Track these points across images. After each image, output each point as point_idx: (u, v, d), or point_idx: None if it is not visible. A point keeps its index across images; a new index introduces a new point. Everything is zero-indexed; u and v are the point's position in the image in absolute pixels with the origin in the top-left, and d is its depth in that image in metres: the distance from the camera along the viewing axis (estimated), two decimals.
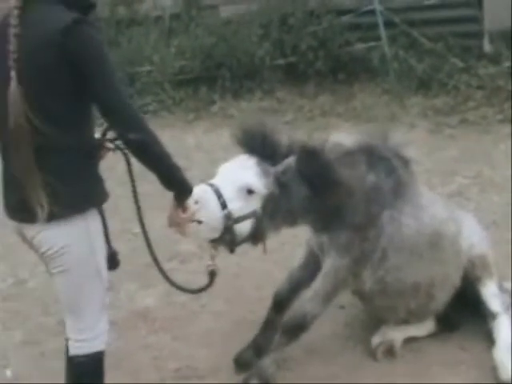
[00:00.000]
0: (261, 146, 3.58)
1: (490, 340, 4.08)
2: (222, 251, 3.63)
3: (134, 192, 3.21)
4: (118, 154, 3.11)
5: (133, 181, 3.17)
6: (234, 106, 10.01)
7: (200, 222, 3.33)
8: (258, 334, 4.11)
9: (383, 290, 3.96)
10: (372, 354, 4.12)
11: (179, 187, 3.02)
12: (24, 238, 3.02)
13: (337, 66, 10.23)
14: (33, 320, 4.89)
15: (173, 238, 5.91)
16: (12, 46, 2.74)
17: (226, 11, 11.13)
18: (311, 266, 4.06)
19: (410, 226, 3.88)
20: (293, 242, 5.21)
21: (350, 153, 3.78)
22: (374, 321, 4.35)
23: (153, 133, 2.83)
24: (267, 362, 3.86)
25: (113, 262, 3.21)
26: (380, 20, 10.08)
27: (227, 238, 3.49)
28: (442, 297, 4.14)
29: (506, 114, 8.66)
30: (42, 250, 2.93)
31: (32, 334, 4.70)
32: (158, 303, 5.03)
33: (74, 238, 2.90)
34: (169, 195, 3.16)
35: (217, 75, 10.34)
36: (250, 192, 3.48)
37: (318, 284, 3.87)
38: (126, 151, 3.04)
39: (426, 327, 4.25)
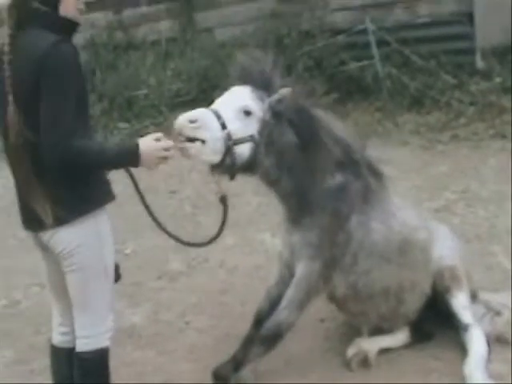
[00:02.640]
0: (257, 78, 3.72)
1: (462, 349, 4.15)
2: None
3: (139, 193, 3.51)
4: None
5: (135, 183, 3.49)
6: None
7: (203, 142, 3.45)
8: (238, 350, 4.17)
9: (355, 295, 4.06)
10: (347, 365, 4.20)
11: (127, 162, 3.21)
12: (42, 245, 3.30)
13: (331, 85, 10.35)
14: (24, 340, 5.01)
15: (162, 258, 6.12)
16: (7, 72, 3.00)
17: (221, 34, 11.33)
18: (287, 280, 4.12)
19: (379, 232, 3.97)
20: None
21: (332, 133, 3.88)
22: (353, 333, 4.44)
23: (73, 150, 2.98)
24: (245, 373, 3.96)
25: (115, 274, 3.42)
26: (372, 39, 10.23)
27: (228, 162, 3.58)
28: (412, 302, 4.23)
29: (497, 130, 8.74)
30: (57, 251, 3.20)
31: (23, 353, 4.82)
32: (144, 321, 5.15)
33: (85, 239, 3.16)
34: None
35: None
36: (247, 113, 3.60)
37: (291, 292, 3.96)
38: (131, 171, 3.42)
39: (401, 338, 4.33)
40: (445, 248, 4.32)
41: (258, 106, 3.64)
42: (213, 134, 3.47)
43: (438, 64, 10.11)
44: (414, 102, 9.86)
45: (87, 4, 11.67)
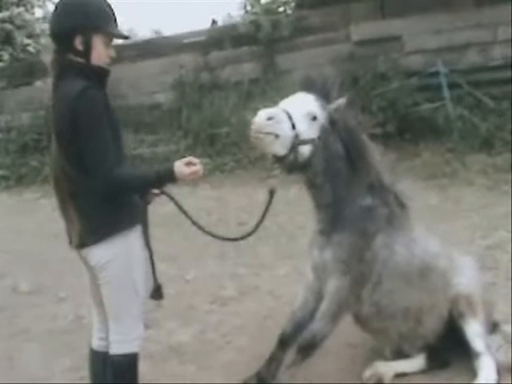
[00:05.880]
0: (319, 88, 4.08)
1: (475, 375, 4.33)
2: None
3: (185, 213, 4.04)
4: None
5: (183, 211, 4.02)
6: None
7: (277, 136, 3.85)
8: (262, 367, 4.53)
9: (378, 313, 4.33)
10: None
11: (166, 183, 3.71)
12: (83, 260, 3.79)
13: (404, 125, 10.65)
14: (80, 350, 5.46)
15: (218, 284, 6.56)
16: (51, 115, 3.61)
17: (300, 75, 11.78)
18: (311, 304, 4.45)
19: (401, 254, 4.25)
20: None
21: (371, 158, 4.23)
22: (378, 358, 4.70)
23: (120, 179, 3.51)
24: (286, 377, 4.27)
25: (157, 293, 3.93)
26: (444, 81, 10.48)
27: (291, 158, 3.94)
28: (430, 324, 4.46)
29: None
30: (91, 264, 3.69)
31: (77, 362, 5.29)
32: (191, 339, 5.58)
33: (115, 257, 3.61)
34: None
35: None
36: (313, 119, 3.99)
37: (324, 305, 4.26)
38: (170, 194, 3.92)
39: (417, 363, 4.55)
40: (464, 276, 4.52)
41: (321, 113, 4.02)
42: (285, 132, 3.85)
43: (511, 105, 10.26)
44: (484, 143, 10.06)
45: (178, 47, 12.69)
